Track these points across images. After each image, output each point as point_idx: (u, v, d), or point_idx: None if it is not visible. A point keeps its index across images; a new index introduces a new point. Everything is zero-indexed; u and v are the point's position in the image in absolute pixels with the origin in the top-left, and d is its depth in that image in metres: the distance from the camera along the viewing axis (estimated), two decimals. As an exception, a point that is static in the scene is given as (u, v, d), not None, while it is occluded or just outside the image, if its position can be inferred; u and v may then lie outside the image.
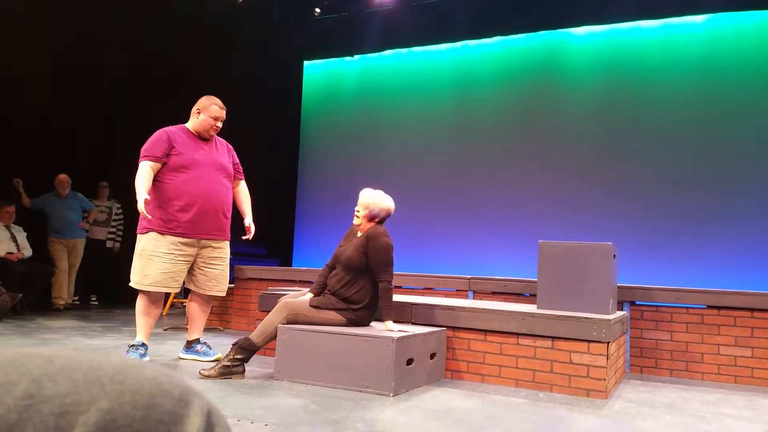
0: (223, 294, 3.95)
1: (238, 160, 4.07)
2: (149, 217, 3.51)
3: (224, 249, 3.89)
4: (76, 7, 6.60)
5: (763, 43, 6.29)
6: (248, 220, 4.03)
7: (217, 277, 3.84)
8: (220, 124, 3.84)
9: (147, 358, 3.77)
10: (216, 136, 3.93)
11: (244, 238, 4.04)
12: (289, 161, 8.69)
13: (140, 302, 3.72)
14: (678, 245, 6.36)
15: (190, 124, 3.84)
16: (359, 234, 3.58)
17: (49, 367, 0.42)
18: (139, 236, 3.73)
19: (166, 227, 3.62)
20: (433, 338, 3.54)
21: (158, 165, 3.64)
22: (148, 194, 3.54)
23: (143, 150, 3.67)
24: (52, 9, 6.49)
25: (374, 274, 3.46)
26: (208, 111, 3.79)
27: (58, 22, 6.64)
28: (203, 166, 3.73)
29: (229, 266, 3.97)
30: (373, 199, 3.56)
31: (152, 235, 3.64)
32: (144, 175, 3.57)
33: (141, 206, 3.44)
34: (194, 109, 3.84)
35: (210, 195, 3.70)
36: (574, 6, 6.99)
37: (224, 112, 3.86)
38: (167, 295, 5.40)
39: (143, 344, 3.73)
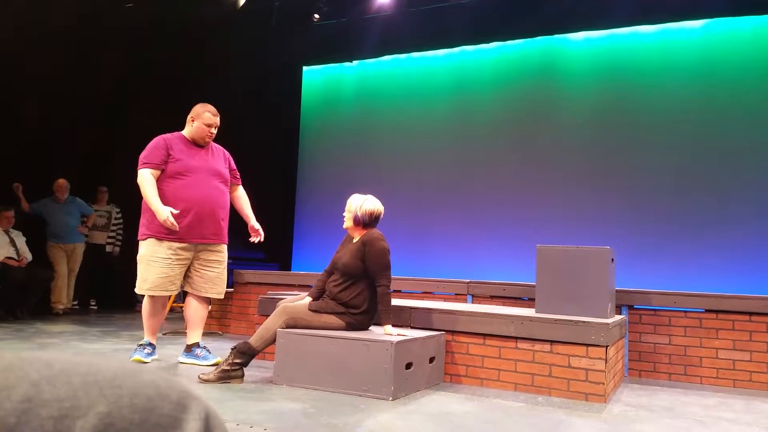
0: (220, 296, 3.97)
1: (235, 167, 4.10)
2: (177, 228, 3.59)
3: (222, 252, 3.91)
4: (76, 9, 6.60)
5: (760, 47, 6.31)
6: (252, 222, 4.10)
7: (213, 279, 3.86)
8: (214, 131, 3.89)
9: (154, 357, 3.85)
10: (212, 142, 3.96)
11: (255, 240, 4.08)
12: (288, 166, 8.70)
13: (146, 304, 3.81)
14: (676, 249, 6.36)
15: (186, 132, 3.90)
16: (355, 240, 3.59)
17: (48, 371, 0.42)
18: (140, 242, 3.79)
19: (164, 233, 3.67)
20: (431, 342, 3.54)
21: (157, 172, 3.70)
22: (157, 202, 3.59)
23: (142, 158, 3.72)
24: (52, 10, 6.49)
25: (372, 279, 3.47)
26: (202, 118, 3.84)
27: (57, 23, 6.64)
28: (199, 172, 3.77)
29: (226, 269, 3.99)
30: (356, 203, 3.58)
31: (151, 241, 3.70)
32: (150, 184, 3.64)
33: (167, 218, 3.53)
34: (189, 117, 3.90)
35: (206, 200, 3.73)
36: (572, 11, 7.00)
37: (218, 118, 3.90)
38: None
39: (150, 344, 3.83)
